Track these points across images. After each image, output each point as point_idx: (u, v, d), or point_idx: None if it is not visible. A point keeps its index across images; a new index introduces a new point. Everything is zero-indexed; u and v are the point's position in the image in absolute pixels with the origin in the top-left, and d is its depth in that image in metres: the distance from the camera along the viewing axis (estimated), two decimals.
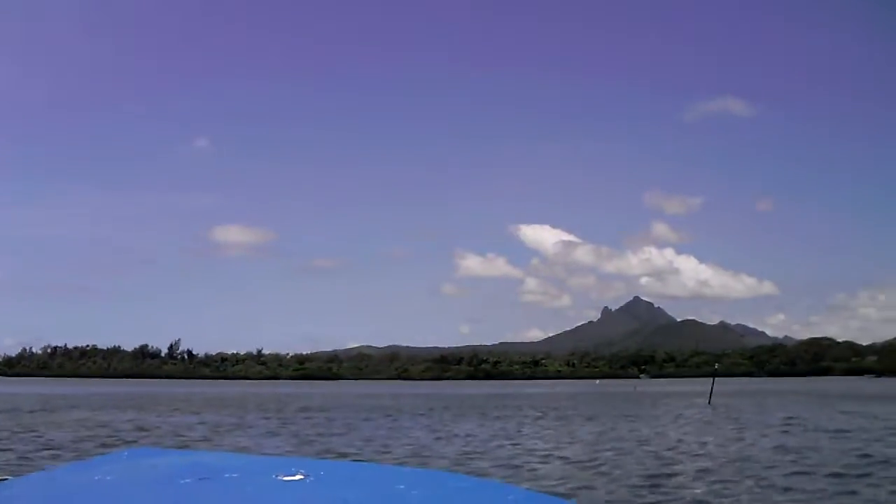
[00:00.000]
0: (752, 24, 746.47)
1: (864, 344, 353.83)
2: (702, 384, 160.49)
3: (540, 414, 53.73)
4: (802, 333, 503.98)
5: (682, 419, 46.61)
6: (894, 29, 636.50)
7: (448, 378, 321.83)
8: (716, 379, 71.91)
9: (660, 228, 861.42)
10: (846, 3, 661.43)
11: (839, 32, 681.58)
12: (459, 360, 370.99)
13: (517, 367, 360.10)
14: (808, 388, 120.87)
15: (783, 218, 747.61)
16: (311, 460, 8.15)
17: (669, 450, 27.95)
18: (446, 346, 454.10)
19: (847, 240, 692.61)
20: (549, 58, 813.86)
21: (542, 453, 27.65)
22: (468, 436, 34.58)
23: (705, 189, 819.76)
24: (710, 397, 66.45)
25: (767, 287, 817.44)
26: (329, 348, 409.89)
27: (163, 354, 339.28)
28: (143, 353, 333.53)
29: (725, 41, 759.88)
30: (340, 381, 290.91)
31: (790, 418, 44.27)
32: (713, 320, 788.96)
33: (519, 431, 37.85)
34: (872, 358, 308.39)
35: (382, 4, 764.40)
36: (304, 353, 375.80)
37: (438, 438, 33.51)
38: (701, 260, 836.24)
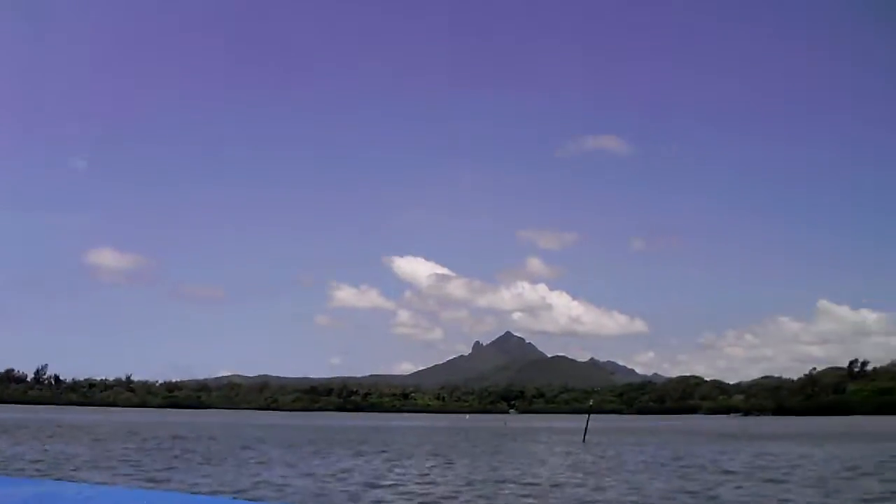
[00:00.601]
0: (631, 63, 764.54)
1: (731, 383, 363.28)
2: (572, 420, 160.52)
3: (408, 448, 51.16)
4: (671, 371, 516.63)
5: (557, 457, 44.40)
6: (768, 69, 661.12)
7: (317, 409, 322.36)
8: (595, 415, 70.13)
9: (533, 264, 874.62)
10: (721, 45, 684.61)
11: (715, 74, 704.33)
12: (329, 392, 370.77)
13: (387, 399, 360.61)
14: (681, 426, 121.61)
15: (655, 257, 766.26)
16: (157, 492, 6.27)
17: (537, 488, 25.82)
18: (317, 377, 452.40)
19: (716, 281, 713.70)
20: (427, 91, 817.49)
21: (400, 491, 25.48)
22: (323, 471, 31.90)
23: (580, 225, 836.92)
24: (585, 435, 64.26)
25: (638, 325, 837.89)
26: (200, 376, 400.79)
27: (29, 379, 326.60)
28: (9, 377, 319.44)
29: (604, 79, 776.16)
30: (209, 409, 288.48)
31: (676, 458, 42.64)
32: (583, 357, 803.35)
33: (384, 467, 35.10)
34: (739, 397, 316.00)
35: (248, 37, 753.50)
36: (174, 380, 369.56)
37: (287, 473, 30.71)
38: (573, 296, 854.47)
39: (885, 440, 65.05)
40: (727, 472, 32.96)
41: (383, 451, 46.81)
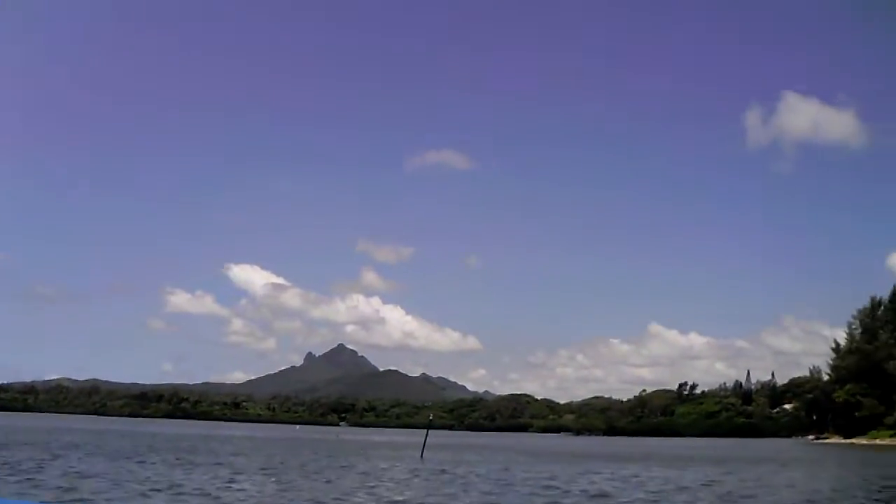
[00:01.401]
0: (472, 77, 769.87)
1: (562, 402, 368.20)
2: (404, 435, 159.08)
3: (236, 458, 47.52)
4: (502, 389, 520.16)
5: (398, 472, 41.53)
6: (609, 87, 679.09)
7: (147, 415, 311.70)
8: (420, 430, 67.71)
9: (369, 277, 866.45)
10: (565, 66, 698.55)
11: (555, 93, 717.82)
12: (160, 398, 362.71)
13: (217, 408, 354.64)
14: (515, 444, 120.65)
15: (490, 275, 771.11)
16: None
17: None
18: (148, 382, 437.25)
19: (548, 301, 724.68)
20: (269, 101, 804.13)
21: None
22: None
23: (417, 240, 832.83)
24: (423, 451, 61.63)
25: (471, 342, 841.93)
26: (27, 379, 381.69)
27: None
28: None
29: (447, 92, 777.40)
30: (35, 413, 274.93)
31: (523, 476, 40.44)
32: (415, 372, 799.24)
33: (213, 480, 31.47)
34: (570, 416, 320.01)
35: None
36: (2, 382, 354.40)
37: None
38: (407, 311, 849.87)
39: (712, 463, 64.76)
40: (569, 493, 31.18)
41: (217, 464, 43.02)
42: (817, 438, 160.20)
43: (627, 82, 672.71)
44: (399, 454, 66.74)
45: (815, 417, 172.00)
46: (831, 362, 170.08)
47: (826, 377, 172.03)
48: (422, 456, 59.39)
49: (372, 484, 33.53)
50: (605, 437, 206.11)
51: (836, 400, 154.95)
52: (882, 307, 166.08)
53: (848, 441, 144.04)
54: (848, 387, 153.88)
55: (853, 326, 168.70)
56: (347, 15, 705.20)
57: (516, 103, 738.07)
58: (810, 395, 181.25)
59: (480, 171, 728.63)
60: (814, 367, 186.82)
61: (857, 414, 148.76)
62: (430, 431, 68.15)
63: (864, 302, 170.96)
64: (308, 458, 55.48)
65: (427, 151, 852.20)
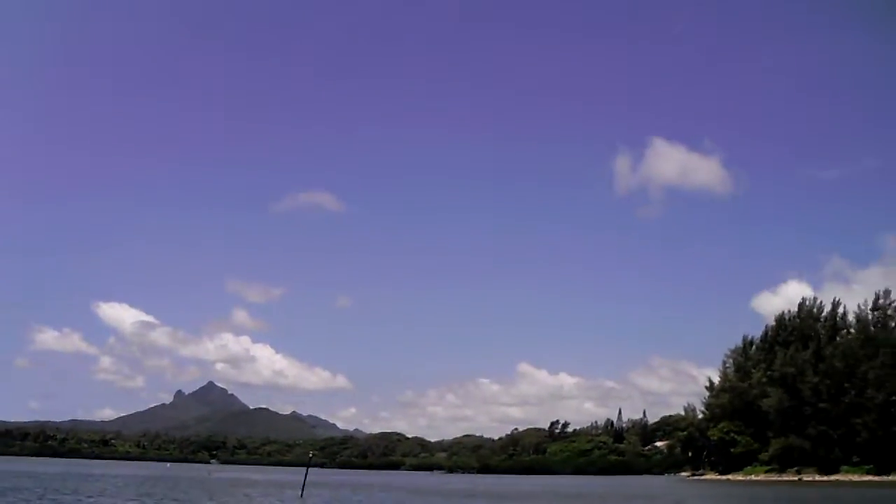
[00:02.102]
0: (342, 118, 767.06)
1: (433, 440, 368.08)
2: (278, 473, 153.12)
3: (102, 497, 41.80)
4: (373, 427, 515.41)
5: None
6: (478, 129, 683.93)
7: (12, 454, 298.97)
8: (292, 468, 63.20)
9: (239, 315, 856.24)
10: (432, 107, 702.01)
11: (423, 134, 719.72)
12: (25, 436, 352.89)
13: (86, 445, 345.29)
14: (392, 482, 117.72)
15: (360, 315, 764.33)
16: None
17: None
18: (14, 420, 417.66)
19: (418, 341, 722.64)
20: (136, 136, 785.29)
21: None
22: None
23: (287, 280, 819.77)
24: (303, 490, 57.92)
25: (340, 381, 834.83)
26: None
27: None
28: None
29: (318, 134, 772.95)
30: None
31: None
32: (286, 410, 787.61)
33: None
34: (442, 454, 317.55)
35: None
36: None
37: None
38: (277, 350, 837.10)
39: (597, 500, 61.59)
40: None
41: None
42: (693, 475, 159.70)
43: (498, 124, 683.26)
44: (278, 492, 63.72)
45: (690, 454, 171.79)
46: (706, 400, 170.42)
47: (700, 415, 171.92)
48: (301, 494, 56.66)
49: None
50: (478, 476, 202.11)
51: (711, 437, 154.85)
52: (754, 346, 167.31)
53: (724, 477, 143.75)
54: (722, 424, 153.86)
55: (727, 365, 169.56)
56: (215, 48, 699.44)
57: (387, 145, 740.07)
58: (684, 433, 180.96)
59: (351, 213, 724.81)
60: (688, 404, 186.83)
61: (732, 451, 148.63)
62: (299, 469, 64.74)
63: (731, 342, 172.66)
64: (181, 496, 51.79)
65: (298, 192, 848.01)
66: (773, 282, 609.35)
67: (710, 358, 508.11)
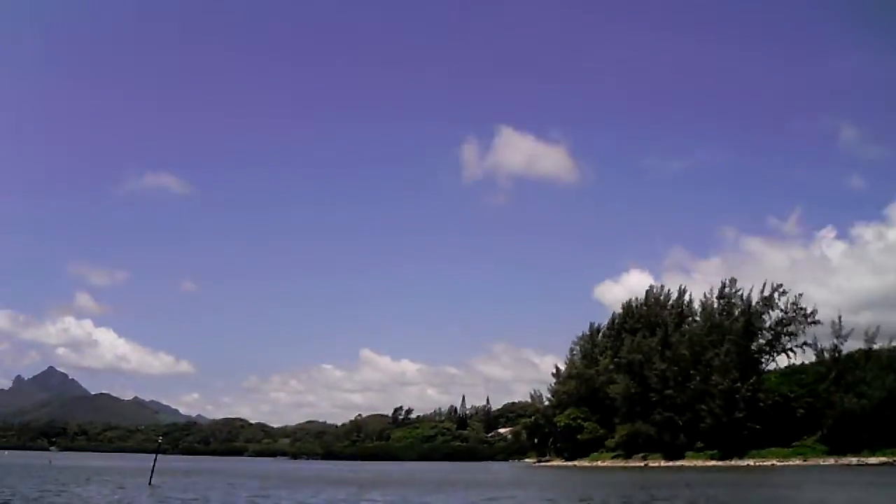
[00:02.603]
0: (186, 99, 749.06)
1: (276, 426, 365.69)
2: (120, 459, 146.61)
3: None
4: (216, 413, 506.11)
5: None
6: (327, 113, 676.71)
7: None
8: (135, 454, 58.27)
9: (82, 299, 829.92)
10: (279, 89, 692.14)
11: (271, 115, 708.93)
12: None
13: None
14: (240, 468, 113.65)
15: (204, 300, 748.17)
16: None
17: None
18: None
19: (262, 326, 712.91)
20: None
21: None
22: None
23: (132, 264, 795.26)
24: (151, 477, 53.98)
25: (184, 366, 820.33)
26: None
27: None
28: None
29: (165, 116, 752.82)
30: None
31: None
32: (128, 395, 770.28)
33: None
34: (285, 440, 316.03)
35: None
36: None
37: None
38: (120, 334, 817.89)
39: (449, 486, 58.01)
40: None
41: None
42: (539, 461, 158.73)
43: (346, 109, 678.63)
44: (123, 480, 59.24)
45: (536, 441, 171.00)
46: (552, 387, 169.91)
47: (546, 402, 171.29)
48: (150, 482, 52.73)
49: None
50: (324, 462, 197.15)
51: (558, 424, 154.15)
52: (601, 334, 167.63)
53: (570, 463, 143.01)
54: (569, 411, 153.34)
55: (574, 352, 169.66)
56: (65, 29, 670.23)
57: (232, 127, 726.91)
58: (530, 419, 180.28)
59: (195, 196, 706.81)
60: (534, 391, 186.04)
61: (578, 437, 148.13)
62: (140, 455, 60.05)
63: (575, 330, 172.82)
64: (19, 485, 47.85)
65: (142, 173, 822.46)
66: (615, 271, 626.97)
67: (553, 346, 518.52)
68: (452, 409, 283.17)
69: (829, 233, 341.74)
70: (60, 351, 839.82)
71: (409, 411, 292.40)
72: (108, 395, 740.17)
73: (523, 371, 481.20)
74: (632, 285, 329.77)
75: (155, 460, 59.41)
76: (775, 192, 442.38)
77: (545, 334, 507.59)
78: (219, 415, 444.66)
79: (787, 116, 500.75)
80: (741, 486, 59.85)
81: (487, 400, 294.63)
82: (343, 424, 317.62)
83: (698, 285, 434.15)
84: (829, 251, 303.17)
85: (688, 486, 57.88)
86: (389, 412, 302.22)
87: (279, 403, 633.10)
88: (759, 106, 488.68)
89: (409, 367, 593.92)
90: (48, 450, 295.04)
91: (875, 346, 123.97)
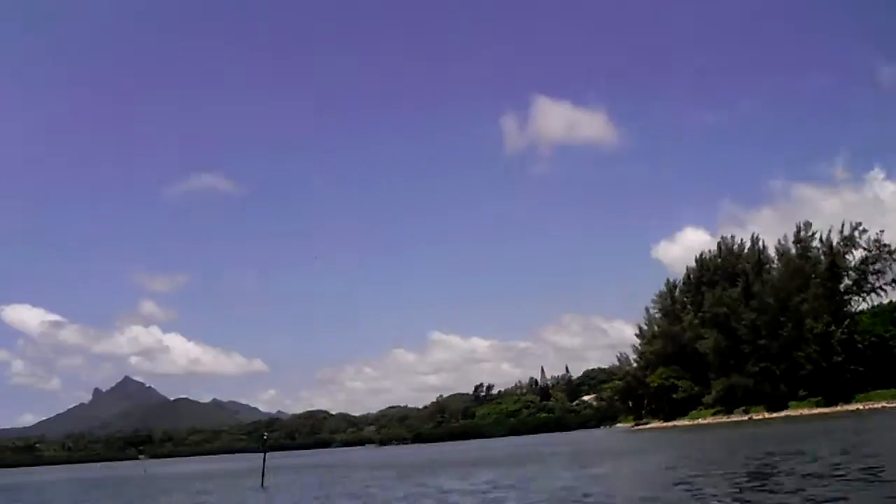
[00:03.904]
0: (226, 98, 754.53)
1: (357, 415, 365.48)
2: (212, 462, 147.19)
3: None
4: (295, 407, 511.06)
5: None
6: (367, 90, 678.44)
7: None
8: (222, 456, 56.81)
9: (147, 307, 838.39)
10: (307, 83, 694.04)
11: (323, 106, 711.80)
12: None
13: (9, 453, 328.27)
14: (340, 459, 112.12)
15: (268, 296, 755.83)
16: None
17: None
18: None
19: (330, 317, 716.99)
20: (21, 140, 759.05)
21: None
22: None
23: (190, 267, 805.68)
24: (263, 478, 50.78)
25: (257, 364, 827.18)
26: None
27: None
28: None
29: (201, 116, 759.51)
30: None
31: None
32: (206, 398, 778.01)
33: None
34: (370, 428, 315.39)
35: None
36: None
37: None
38: (189, 338, 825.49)
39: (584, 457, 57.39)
40: None
41: None
42: (636, 425, 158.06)
43: (385, 85, 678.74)
44: (232, 483, 57.53)
45: (630, 404, 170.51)
46: (639, 347, 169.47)
47: (634, 364, 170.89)
48: (262, 484, 49.42)
49: None
50: (415, 446, 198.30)
51: (651, 385, 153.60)
52: (678, 289, 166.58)
53: (670, 424, 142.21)
54: (660, 370, 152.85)
55: (653, 311, 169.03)
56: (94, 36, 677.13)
57: (271, 116, 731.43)
58: (617, 383, 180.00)
59: (243, 193, 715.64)
60: (621, 354, 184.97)
61: (673, 396, 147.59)
62: (231, 456, 58.42)
63: (637, 293, 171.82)
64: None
65: (188, 176, 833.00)
66: (669, 230, 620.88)
67: (620, 310, 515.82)
68: (533, 382, 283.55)
69: (877, 174, 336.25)
70: (133, 360, 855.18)
71: (489, 387, 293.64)
72: (186, 400, 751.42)
73: (594, 338, 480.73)
74: (689, 242, 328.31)
75: (264, 459, 54.61)
76: (818, 137, 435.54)
77: (610, 300, 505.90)
78: (298, 409, 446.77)
79: (824, 59, 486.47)
80: (878, 431, 58.31)
81: (567, 369, 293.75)
82: (425, 407, 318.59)
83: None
84: (880, 192, 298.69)
85: (824, 434, 57.12)
86: (467, 390, 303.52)
87: (356, 392, 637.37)
88: (793, 53, 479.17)
89: (479, 344, 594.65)
90: (138, 458, 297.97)
91: None
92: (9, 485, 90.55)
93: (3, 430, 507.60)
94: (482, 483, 35.79)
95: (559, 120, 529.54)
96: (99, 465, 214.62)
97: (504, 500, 26.68)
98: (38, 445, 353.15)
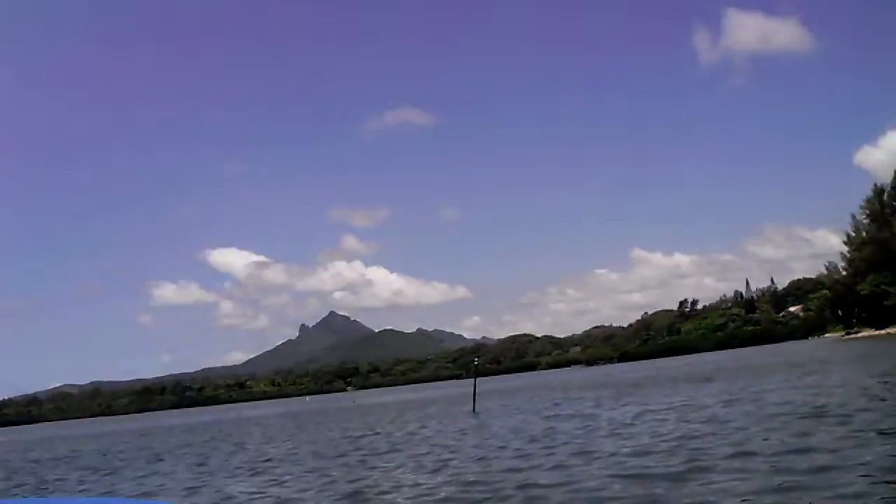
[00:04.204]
0: (426, 33, 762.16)
1: (562, 337, 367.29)
2: (421, 391, 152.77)
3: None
4: (499, 333, 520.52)
5: (475, 436, 32.46)
6: (561, 35, 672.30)
7: (153, 409, 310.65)
8: (428, 384, 57.82)
9: (349, 242, 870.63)
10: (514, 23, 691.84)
11: (504, 47, 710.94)
12: (163, 390, 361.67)
13: (222, 391, 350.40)
14: (551, 381, 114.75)
15: (468, 225, 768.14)
16: None
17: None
18: (149, 376, 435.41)
19: (530, 241, 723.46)
20: (217, 83, 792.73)
21: None
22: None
23: (390, 201, 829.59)
24: (475, 404, 52.23)
25: (460, 291, 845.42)
26: (29, 390, 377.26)
27: None
28: None
29: (400, 51, 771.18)
30: (39, 424, 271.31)
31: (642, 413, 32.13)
32: (410, 328, 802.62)
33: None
34: (576, 349, 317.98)
35: None
36: (2, 398, 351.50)
37: None
38: (391, 270, 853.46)
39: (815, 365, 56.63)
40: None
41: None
42: (847, 334, 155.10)
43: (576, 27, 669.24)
44: (445, 411, 57.87)
45: (840, 313, 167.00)
46: (848, 255, 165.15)
47: (843, 272, 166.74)
48: (474, 409, 50.40)
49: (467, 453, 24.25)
50: (622, 364, 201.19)
51: (861, 292, 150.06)
52: (886, 194, 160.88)
53: (883, 332, 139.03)
54: (871, 277, 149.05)
55: (861, 217, 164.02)
56: None
57: (463, 55, 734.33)
58: (825, 292, 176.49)
59: (440, 125, 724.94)
60: (829, 263, 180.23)
61: (885, 303, 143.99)
62: (437, 384, 59.61)
63: (840, 201, 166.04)
64: (358, 431, 44.51)
65: (384, 111, 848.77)
66: (871, 135, 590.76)
67: (823, 218, 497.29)
68: (738, 295, 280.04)
69: None
70: (337, 295, 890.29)
71: (694, 303, 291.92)
72: (391, 331, 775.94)
73: (797, 248, 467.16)
74: (893, 148, 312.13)
75: (475, 385, 56.79)
76: None
77: (810, 209, 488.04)
78: (502, 334, 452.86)
79: None
80: None
81: (772, 280, 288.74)
82: (630, 325, 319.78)
83: None
84: None
85: None
86: (671, 307, 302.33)
87: (561, 314, 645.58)
88: None
89: (681, 259, 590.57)
90: (346, 390, 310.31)
91: None
92: (235, 420, 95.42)
93: (213, 369, 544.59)
94: (705, 397, 36.55)
95: (752, 31, 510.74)
96: (308, 398, 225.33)
97: (745, 413, 26.18)
98: (248, 382, 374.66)
